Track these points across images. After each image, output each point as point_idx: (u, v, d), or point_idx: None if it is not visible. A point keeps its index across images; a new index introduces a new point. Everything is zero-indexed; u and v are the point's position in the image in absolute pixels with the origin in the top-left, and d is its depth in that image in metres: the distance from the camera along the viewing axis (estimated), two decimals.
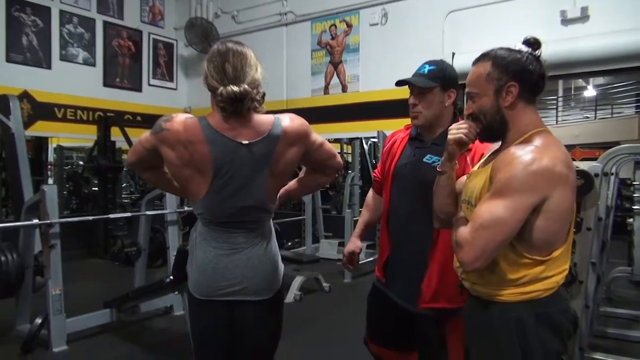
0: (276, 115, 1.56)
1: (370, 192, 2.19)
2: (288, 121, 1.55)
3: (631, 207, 5.05)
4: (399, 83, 1.84)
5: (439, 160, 1.61)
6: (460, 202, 1.43)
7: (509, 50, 1.32)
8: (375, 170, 2.17)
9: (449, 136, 1.40)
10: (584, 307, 2.67)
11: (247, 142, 1.48)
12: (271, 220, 1.66)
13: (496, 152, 1.38)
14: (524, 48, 1.32)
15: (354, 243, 2.10)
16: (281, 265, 1.67)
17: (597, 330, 3.45)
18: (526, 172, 1.18)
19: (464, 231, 1.25)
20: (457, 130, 1.38)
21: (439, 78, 1.80)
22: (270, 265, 1.61)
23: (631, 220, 4.97)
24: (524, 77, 1.28)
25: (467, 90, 1.38)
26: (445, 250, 1.68)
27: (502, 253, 1.25)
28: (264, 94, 1.53)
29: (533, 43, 1.32)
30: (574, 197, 1.28)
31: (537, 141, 1.25)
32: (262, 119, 1.52)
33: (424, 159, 1.82)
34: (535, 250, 1.25)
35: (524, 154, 1.20)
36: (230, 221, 1.55)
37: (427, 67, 1.82)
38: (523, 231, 1.22)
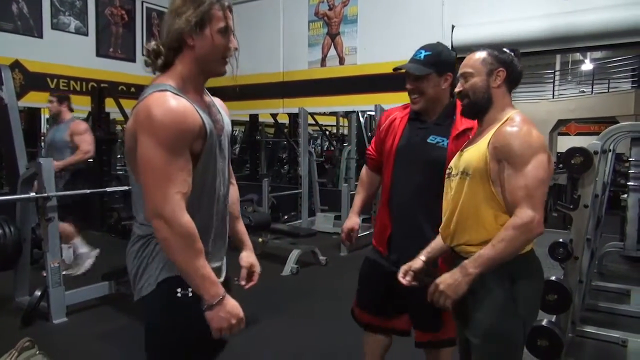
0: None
1: (365, 169, 2.21)
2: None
3: (626, 183, 5.09)
4: (396, 69, 1.91)
5: (442, 140, 1.86)
6: (448, 175, 1.64)
7: (500, 49, 1.61)
8: (370, 147, 2.18)
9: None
10: (578, 282, 2.72)
11: None
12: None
13: (479, 134, 1.60)
14: (509, 51, 1.63)
15: (353, 220, 2.16)
16: (152, 269, 1.35)
17: (588, 304, 3.52)
18: (530, 139, 1.46)
19: (521, 210, 1.41)
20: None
21: (434, 64, 1.86)
22: (134, 265, 1.39)
23: (625, 195, 5.01)
24: (509, 68, 1.57)
25: (461, 71, 1.59)
26: None
27: (495, 214, 1.48)
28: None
29: (515, 50, 1.64)
30: None
31: (519, 118, 1.52)
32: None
33: (428, 140, 1.89)
34: None
35: (519, 129, 1.47)
36: None
37: (423, 53, 1.88)
38: None
